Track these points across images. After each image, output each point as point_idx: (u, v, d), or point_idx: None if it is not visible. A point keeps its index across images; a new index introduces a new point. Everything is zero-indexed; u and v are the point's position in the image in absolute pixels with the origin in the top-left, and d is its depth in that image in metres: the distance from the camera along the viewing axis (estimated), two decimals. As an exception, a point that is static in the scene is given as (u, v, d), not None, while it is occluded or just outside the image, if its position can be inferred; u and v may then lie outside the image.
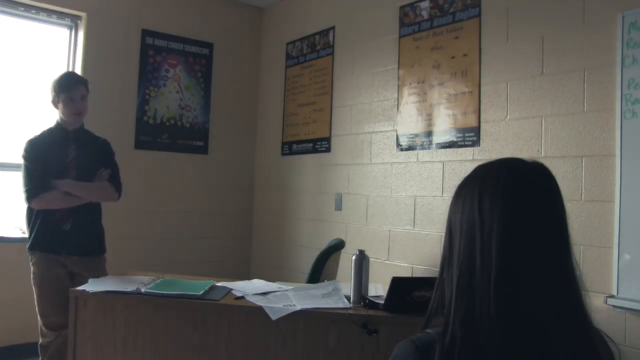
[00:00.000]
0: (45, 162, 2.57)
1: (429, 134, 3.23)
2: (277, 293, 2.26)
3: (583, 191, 2.46)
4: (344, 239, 3.31)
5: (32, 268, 2.58)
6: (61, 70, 4.06)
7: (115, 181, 2.71)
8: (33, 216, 2.60)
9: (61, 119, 2.65)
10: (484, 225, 0.81)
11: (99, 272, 2.59)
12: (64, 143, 2.64)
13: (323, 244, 3.29)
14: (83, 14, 4.01)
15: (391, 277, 2.03)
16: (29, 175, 2.54)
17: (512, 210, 0.80)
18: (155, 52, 4.32)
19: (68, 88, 2.60)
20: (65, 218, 2.58)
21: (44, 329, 2.54)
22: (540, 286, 0.78)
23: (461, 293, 0.80)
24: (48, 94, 2.64)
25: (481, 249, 0.80)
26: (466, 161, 3.00)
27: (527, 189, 0.83)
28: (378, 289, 2.41)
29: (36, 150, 2.60)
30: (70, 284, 2.50)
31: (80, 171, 2.62)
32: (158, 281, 2.35)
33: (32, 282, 2.57)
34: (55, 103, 2.63)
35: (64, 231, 2.57)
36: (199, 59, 4.56)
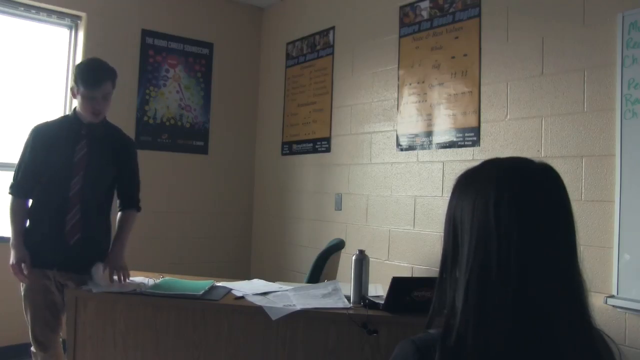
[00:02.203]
0: (46, 156, 2.31)
1: (429, 134, 3.23)
2: (277, 293, 2.25)
3: (583, 191, 2.46)
4: (344, 239, 3.31)
5: None
6: (65, 66, 4.05)
7: (134, 198, 2.54)
8: (28, 222, 2.34)
9: (78, 110, 2.37)
10: (500, 228, 0.80)
11: None
12: (74, 137, 2.34)
13: (323, 244, 3.29)
14: (83, 14, 4.01)
15: (391, 277, 2.03)
16: (18, 169, 2.34)
17: (526, 213, 0.80)
18: (155, 52, 4.32)
19: (91, 86, 2.26)
20: (74, 232, 2.32)
21: (32, 341, 2.35)
22: (549, 289, 0.79)
23: (472, 295, 0.80)
24: (70, 80, 2.35)
25: (498, 252, 0.79)
26: (466, 161, 3.00)
27: (539, 192, 0.83)
28: (378, 289, 2.41)
29: (39, 140, 2.32)
30: (61, 298, 2.34)
31: (89, 172, 2.34)
32: (158, 281, 2.35)
33: (21, 290, 2.36)
34: (74, 92, 2.32)
35: (66, 246, 2.31)
36: (199, 59, 4.56)
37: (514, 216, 0.80)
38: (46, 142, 2.33)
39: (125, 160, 2.52)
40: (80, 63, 2.37)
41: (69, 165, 2.32)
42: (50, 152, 2.32)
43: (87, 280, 2.31)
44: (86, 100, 2.30)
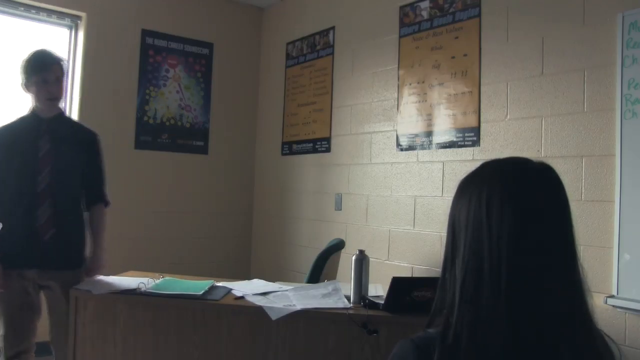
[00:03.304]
0: (10, 157, 2.28)
1: (429, 134, 3.23)
2: (277, 293, 2.26)
3: (583, 191, 2.46)
4: (344, 239, 3.31)
5: None
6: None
7: (100, 192, 2.46)
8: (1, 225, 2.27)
9: (35, 105, 2.35)
10: (492, 227, 0.80)
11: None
12: (35, 134, 2.31)
13: (323, 244, 3.29)
14: (83, 14, 4.01)
15: (391, 277, 2.03)
16: None
17: (520, 212, 0.80)
18: (155, 52, 4.32)
19: (40, 69, 2.27)
20: (48, 226, 2.27)
21: (4, 346, 2.28)
22: (547, 289, 0.79)
23: (467, 294, 0.80)
24: (18, 77, 2.34)
25: (489, 250, 0.79)
26: (466, 161, 3.00)
27: (535, 191, 0.83)
28: (378, 289, 2.41)
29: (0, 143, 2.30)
30: (37, 301, 2.32)
31: (56, 167, 2.30)
32: (158, 281, 2.35)
33: None
34: (27, 87, 2.32)
35: (41, 242, 2.26)
36: (199, 59, 4.56)
37: (507, 215, 0.80)
38: (7, 144, 2.31)
39: (90, 155, 2.46)
40: (24, 57, 2.36)
41: (34, 161, 2.29)
42: (12, 153, 2.30)
43: (64, 279, 2.28)
44: (40, 86, 2.29)
